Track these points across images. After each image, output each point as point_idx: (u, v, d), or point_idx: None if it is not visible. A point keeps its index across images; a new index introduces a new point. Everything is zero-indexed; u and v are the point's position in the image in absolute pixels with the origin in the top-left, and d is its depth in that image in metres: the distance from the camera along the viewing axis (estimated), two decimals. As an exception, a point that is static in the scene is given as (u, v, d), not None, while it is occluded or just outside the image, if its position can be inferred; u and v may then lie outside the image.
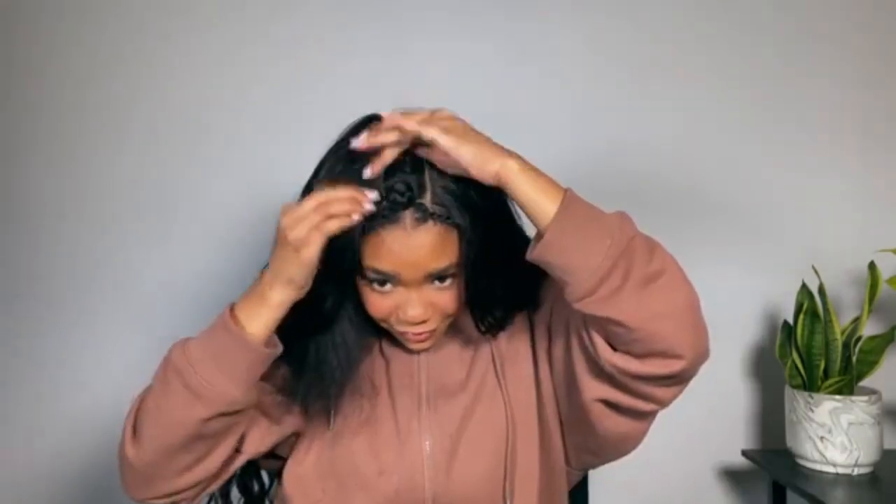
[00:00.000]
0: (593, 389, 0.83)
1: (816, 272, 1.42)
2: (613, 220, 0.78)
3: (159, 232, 1.54)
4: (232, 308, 0.82)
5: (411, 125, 0.78)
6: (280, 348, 0.83)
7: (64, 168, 1.54)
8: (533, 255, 0.78)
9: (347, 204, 0.76)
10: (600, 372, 0.81)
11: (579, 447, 0.95)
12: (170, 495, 0.85)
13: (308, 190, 0.87)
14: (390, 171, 0.80)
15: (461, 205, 0.81)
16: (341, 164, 0.83)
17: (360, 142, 0.80)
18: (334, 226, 0.76)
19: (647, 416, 0.86)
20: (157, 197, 1.54)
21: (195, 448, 0.82)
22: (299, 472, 0.92)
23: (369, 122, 0.85)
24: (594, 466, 1.01)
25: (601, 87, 1.58)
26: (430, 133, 0.77)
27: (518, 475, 0.90)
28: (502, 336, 0.95)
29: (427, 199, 0.80)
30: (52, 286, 1.54)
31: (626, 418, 0.86)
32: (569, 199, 0.77)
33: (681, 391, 0.82)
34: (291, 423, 0.93)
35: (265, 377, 0.87)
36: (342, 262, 0.81)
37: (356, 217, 0.76)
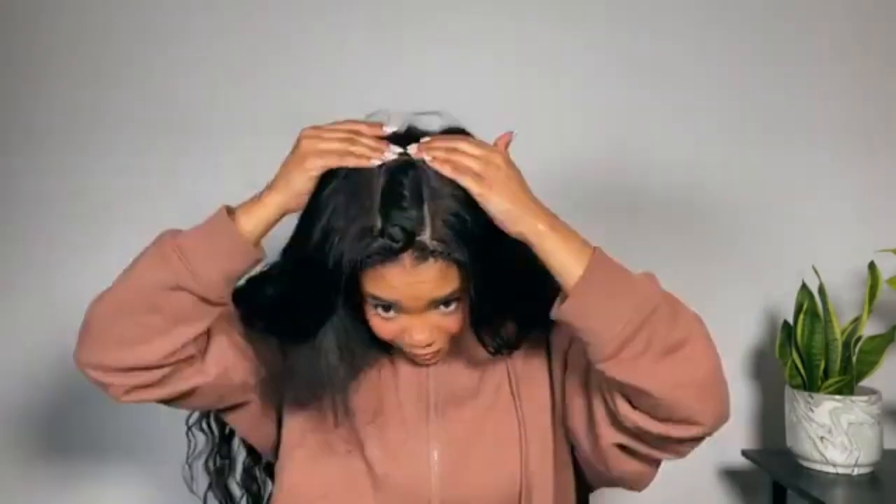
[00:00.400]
0: (611, 436, 0.83)
1: (816, 272, 1.42)
2: (638, 284, 0.78)
3: (157, 232, 1.54)
4: (229, 208, 0.83)
5: (449, 165, 0.78)
6: (264, 256, 0.84)
7: (63, 168, 1.54)
8: (557, 314, 0.78)
9: (372, 147, 0.79)
10: (619, 422, 0.81)
11: (594, 479, 0.96)
12: (105, 369, 0.82)
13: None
14: (388, 204, 0.77)
15: (462, 238, 0.79)
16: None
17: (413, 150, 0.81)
18: (352, 161, 0.79)
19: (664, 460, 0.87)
20: (157, 197, 1.54)
21: (145, 321, 0.80)
22: (300, 471, 0.91)
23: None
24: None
25: (601, 88, 1.58)
26: (464, 181, 0.77)
27: (535, 494, 0.88)
28: (518, 355, 0.94)
29: (426, 237, 0.78)
30: (50, 289, 1.54)
31: (643, 463, 0.86)
32: (595, 261, 0.77)
33: (699, 444, 0.82)
34: (258, 384, 0.92)
35: (254, 340, 0.89)
36: (336, 289, 0.80)
37: (374, 162, 0.79)
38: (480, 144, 0.81)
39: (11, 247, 1.55)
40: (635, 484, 0.91)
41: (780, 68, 1.59)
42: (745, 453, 1.51)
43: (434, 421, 0.91)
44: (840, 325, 1.40)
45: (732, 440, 1.57)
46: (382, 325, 0.85)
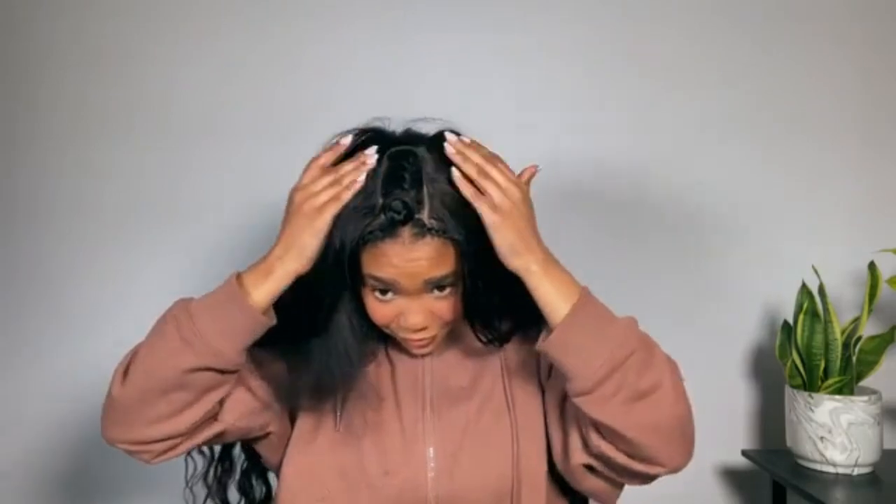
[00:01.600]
0: (581, 457, 0.88)
1: (816, 272, 1.42)
2: (618, 329, 0.82)
3: (158, 232, 1.54)
4: (239, 275, 0.84)
5: (471, 189, 0.82)
6: (274, 320, 0.85)
7: (64, 168, 1.55)
8: (540, 346, 0.83)
9: (354, 172, 0.82)
10: (588, 447, 0.86)
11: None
12: (137, 443, 0.86)
13: None
14: (389, 185, 0.82)
15: (458, 219, 0.83)
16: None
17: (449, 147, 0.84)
18: (347, 195, 0.81)
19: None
20: (157, 198, 1.54)
21: (174, 398, 0.83)
22: (302, 469, 0.93)
23: (370, 135, 0.88)
24: None
25: (602, 88, 1.58)
26: (480, 206, 0.81)
27: (524, 489, 0.91)
28: (512, 353, 0.97)
29: (425, 215, 0.82)
30: (51, 287, 1.54)
31: (609, 484, 0.91)
32: (581, 303, 0.81)
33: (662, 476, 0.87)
34: (273, 416, 0.94)
35: (260, 364, 0.91)
36: (341, 267, 0.83)
37: (362, 178, 0.82)
38: (506, 173, 0.83)
39: (11, 247, 1.55)
40: (602, 500, 0.95)
41: (781, 68, 1.59)
42: (745, 453, 1.51)
43: (430, 419, 0.94)
44: (840, 325, 1.40)
45: (732, 440, 1.57)
46: (379, 308, 0.88)
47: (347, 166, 0.83)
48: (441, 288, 0.87)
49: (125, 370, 0.85)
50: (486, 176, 0.82)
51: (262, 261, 0.84)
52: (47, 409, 1.54)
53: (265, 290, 0.82)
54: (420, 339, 0.90)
